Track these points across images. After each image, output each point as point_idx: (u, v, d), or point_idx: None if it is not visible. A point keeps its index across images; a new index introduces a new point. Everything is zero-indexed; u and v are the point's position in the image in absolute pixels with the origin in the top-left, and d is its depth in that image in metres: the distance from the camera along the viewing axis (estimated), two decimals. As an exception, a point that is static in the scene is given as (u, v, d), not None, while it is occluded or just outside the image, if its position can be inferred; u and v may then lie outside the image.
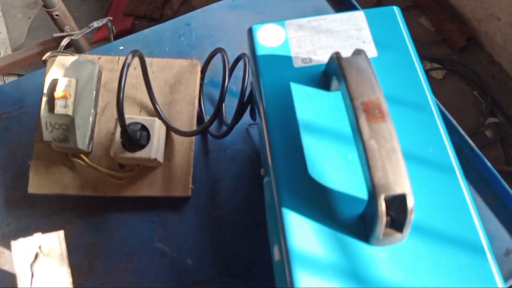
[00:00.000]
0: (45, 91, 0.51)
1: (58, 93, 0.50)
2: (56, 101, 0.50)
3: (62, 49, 0.60)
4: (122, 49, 0.67)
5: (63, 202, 0.56)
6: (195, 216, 0.55)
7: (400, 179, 0.27)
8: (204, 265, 0.52)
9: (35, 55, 1.08)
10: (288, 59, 0.38)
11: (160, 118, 0.55)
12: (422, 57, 1.39)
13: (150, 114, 0.57)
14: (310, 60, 0.38)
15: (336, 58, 0.32)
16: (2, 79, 1.56)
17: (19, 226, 0.55)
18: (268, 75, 0.37)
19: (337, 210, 0.31)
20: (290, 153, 0.34)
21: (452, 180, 0.33)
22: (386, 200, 0.27)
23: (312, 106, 0.35)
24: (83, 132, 0.53)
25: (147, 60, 0.58)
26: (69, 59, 0.53)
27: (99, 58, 0.58)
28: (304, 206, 0.31)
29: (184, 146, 0.56)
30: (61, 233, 0.47)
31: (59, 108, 0.50)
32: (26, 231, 0.54)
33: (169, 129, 0.55)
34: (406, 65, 0.37)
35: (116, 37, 0.81)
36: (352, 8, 0.68)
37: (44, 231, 0.47)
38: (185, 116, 0.57)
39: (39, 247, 0.46)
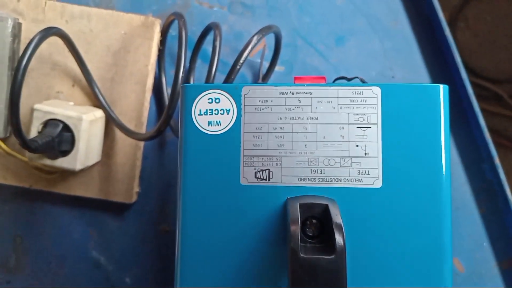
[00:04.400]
0: None
1: None
2: None
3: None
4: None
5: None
6: (138, 226, 0.45)
7: None
8: (144, 287, 0.45)
9: None
10: (232, 167, 0.23)
11: (103, 108, 0.41)
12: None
13: (86, 93, 0.42)
14: (269, 176, 0.22)
15: (289, 248, 0.18)
16: None
17: None
18: (195, 190, 0.23)
19: None
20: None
21: None
22: None
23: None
24: (-9, 119, 0.40)
25: (84, 11, 0.41)
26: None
27: (18, 0, 0.41)
28: None
29: (129, 141, 0.43)
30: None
31: None
32: None
33: (114, 124, 0.41)
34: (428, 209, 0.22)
35: None
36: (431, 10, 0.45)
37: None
38: (131, 102, 0.42)
39: None
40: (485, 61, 0.98)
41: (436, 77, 0.45)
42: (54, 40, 0.40)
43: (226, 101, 0.23)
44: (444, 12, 0.45)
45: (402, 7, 0.46)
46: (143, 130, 0.43)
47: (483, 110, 0.43)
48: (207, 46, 0.43)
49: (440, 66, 0.45)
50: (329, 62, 0.46)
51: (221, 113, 0.23)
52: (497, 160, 0.41)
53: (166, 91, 0.44)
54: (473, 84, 0.44)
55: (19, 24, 0.41)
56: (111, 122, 0.42)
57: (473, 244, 0.43)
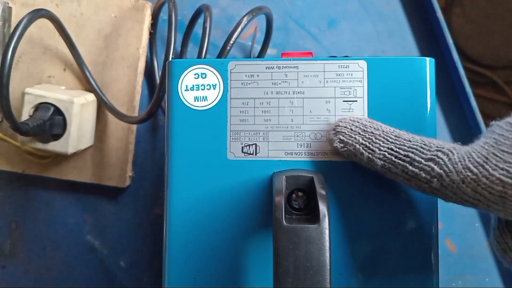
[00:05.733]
0: None
1: None
2: None
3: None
4: None
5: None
6: (132, 211, 0.45)
7: None
8: (139, 271, 0.45)
9: None
10: (219, 142, 0.23)
11: (94, 92, 0.41)
12: None
13: (77, 77, 0.42)
14: (256, 150, 0.23)
15: (274, 217, 0.18)
16: None
17: None
18: (182, 165, 0.23)
19: None
20: None
21: None
22: None
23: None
24: (-18, 103, 0.39)
25: (74, -5, 0.41)
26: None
27: (7, -17, 0.41)
28: None
29: (122, 125, 0.43)
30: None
31: None
32: None
33: (106, 108, 0.41)
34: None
35: None
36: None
37: None
38: (123, 86, 0.42)
39: None
40: (481, 47, 0.97)
41: (429, 59, 0.45)
42: (45, 24, 0.40)
43: (212, 76, 0.23)
44: (439, -3, 0.44)
45: (394, -11, 0.46)
46: (135, 114, 0.43)
47: (478, 96, 0.43)
48: (199, 30, 0.43)
49: (432, 49, 0.45)
50: (321, 45, 0.46)
51: (207, 89, 0.23)
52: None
53: (158, 75, 0.44)
54: (469, 70, 0.44)
55: (9, 9, 0.41)
56: (103, 106, 0.42)
57: (465, 225, 0.43)
